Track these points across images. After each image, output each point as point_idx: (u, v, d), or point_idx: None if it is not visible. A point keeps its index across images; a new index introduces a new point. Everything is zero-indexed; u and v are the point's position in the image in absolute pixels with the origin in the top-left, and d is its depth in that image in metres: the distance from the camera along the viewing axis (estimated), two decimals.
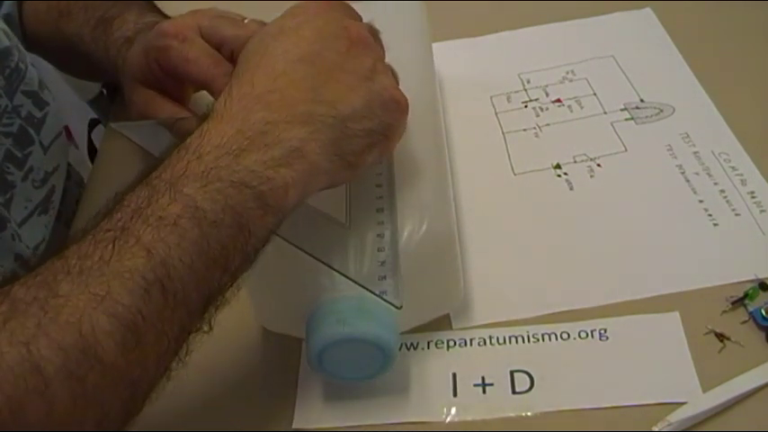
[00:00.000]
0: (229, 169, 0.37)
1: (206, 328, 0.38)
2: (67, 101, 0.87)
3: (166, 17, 0.64)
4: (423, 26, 0.62)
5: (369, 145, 0.42)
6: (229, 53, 0.54)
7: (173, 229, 0.35)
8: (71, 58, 0.69)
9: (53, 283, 0.34)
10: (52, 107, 0.66)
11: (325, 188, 0.42)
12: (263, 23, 0.56)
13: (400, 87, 0.45)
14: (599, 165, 0.59)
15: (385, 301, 0.43)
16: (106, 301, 0.33)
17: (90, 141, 0.87)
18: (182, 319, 0.36)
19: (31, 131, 0.62)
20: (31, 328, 0.32)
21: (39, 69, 0.67)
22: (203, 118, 0.40)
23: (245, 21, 0.56)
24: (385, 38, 0.48)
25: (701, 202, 0.55)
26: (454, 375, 0.47)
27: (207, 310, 0.38)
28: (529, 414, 0.45)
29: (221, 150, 0.38)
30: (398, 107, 0.44)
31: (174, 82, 0.56)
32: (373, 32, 0.46)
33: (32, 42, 0.71)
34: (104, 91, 0.91)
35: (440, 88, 0.67)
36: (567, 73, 0.68)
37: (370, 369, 0.45)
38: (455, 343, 0.49)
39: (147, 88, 0.57)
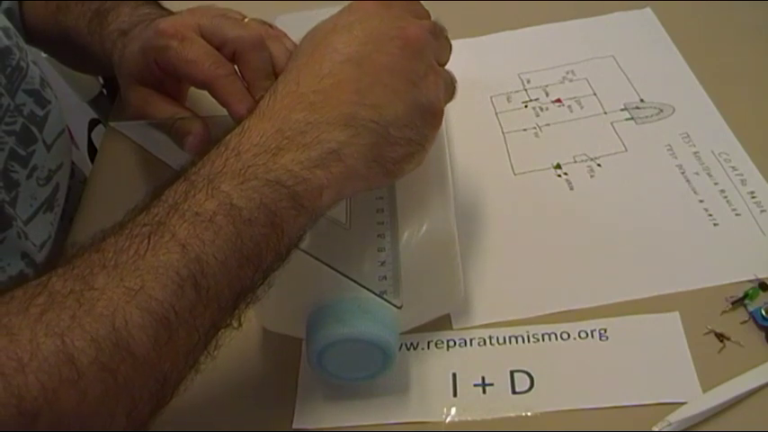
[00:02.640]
0: (266, 167, 0.38)
1: (236, 325, 0.39)
2: (67, 101, 0.87)
3: (162, 8, 0.63)
4: None
5: (408, 154, 0.42)
6: (231, 53, 0.53)
7: (208, 225, 0.36)
8: (69, 51, 0.69)
9: (89, 276, 0.34)
10: (54, 105, 0.66)
11: (360, 192, 0.42)
12: (263, 23, 0.56)
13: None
14: (599, 165, 0.59)
15: (385, 300, 0.43)
16: (140, 296, 0.34)
17: (90, 141, 0.87)
18: (213, 315, 0.37)
19: (34, 130, 0.63)
20: (66, 320, 0.33)
21: (39, 68, 0.67)
22: (230, 129, 0.40)
23: (246, 20, 0.55)
24: None
25: (701, 202, 0.55)
26: (454, 375, 0.47)
27: (237, 306, 0.38)
28: (529, 414, 0.45)
29: (260, 148, 0.38)
30: (434, 120, 0.43)
31: (172, 81, 0.56)
32: (437, 32, 0.45)
33: (32, 36, 0.71)
34: (104, 91, 0.91)
35: None
36: (567, 73, 0.68)
37: (371, 369, 0.45)
38: (455, 343, 0.49)
39: (144, 87, 0.57)
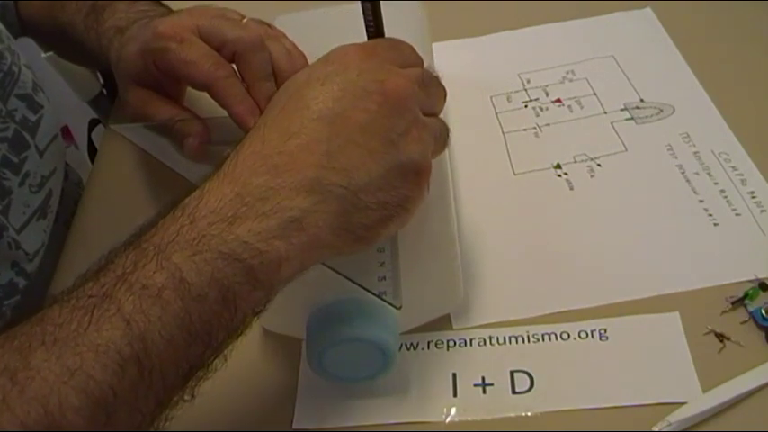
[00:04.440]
0: (221, 238, 0.36)
1: (188, 398, 0.37)
2: (67, 101, 0.87)
3: (158, 5, 0.63)
4: (422, 26, 0.62)
5: (383, 218, 0.39)
6: (230, 55, 0.53)
7: (155, 300, 0.34)
8: (66, 45, 0.68)
9: (27, 351, 0.33)
10: (47, 110, 0.66)
11: (332, 258, 0.40)
12: (262, 23, 0.56)
13: None
14: (599, 165, 0.59)
15: (384, 301, 0.43)
16: (77, 376, 0.32)
17: (90, 141, 0.87)
18: (158, 395, 0.35)
19: (26, 136, 0.62)
20: None
21: (36, 70, 0.67)
22: (206, 178, 0.38)
23: (244, 20, 0.55)
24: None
25: (701, 201, 0.55)
26: (454, 375, 0.47)
27: (187, 382, 0.36)
28: (529, 414, 0.45)
29: (216, 216, 0.36)
30: (417, 179, 0.40)
31: (170, 82, 0.56)
32: (425, 81, 0.42)
33: (28, 27, 0.71)
34: (104, 91, 0.91)
35: None
36: (567, 73, 0.68)
37: (371, 370, 0.45)
38: (455, 343, 0.49)
39: (143, 88, 0.57)
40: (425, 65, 0.58)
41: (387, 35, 0.57)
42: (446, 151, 0.54)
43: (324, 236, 0.37)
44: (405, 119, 0.39)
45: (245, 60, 0.53)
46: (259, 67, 0.53)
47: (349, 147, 0.38)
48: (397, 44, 0.44)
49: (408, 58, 0.43)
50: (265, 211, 0.36)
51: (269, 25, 0.56)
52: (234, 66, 0.54)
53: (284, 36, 0.55)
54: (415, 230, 0.45)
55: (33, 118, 0.63)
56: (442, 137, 0.43)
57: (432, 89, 0.43)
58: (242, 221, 0.36)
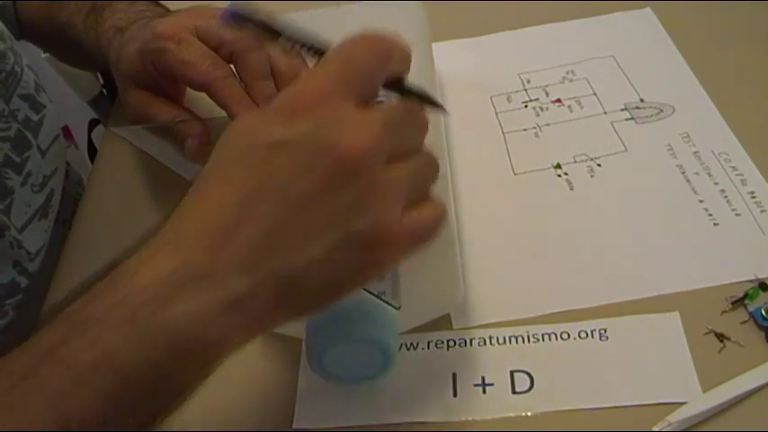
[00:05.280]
0: (154, 318, 0.34)
1: None
2: (67, 101, 0.87)
3: (157, 5, 0.63)
4: (422, 26, 0.62)
5: (331, 293, 0.37)
6: (228, 55, 0.53)
7: (82, 380, 0.33)
8: (63, 46, 0.68)
9: None
10: (49, 110, 0.66)
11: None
12: None
13: None
14: (599, 164, 0.59)
15: (383, 301, 0.43)
16: None
17: (90, 141, 0.87)
18: None
19: (29, 135, 0.62)
20: None
21: (36, 71, 0.67)
22: (145, 243, 0.36)
23: None
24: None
25: (701, 201, 0.55)
26: (454, 375, 0.47)
27: None
28: (529, 414, 0.45)
29: (150, 293, 0.34)
30: (371, 249, 0.36)
31: (169, 82, 0.56)
32: (397, 121, 0.37)
33: (26, 31, 0.71)
34: (104, 91, 0.91)
35: (439, 90, 0.67)
36: (567, 73, 0.68)
37: (371, 370, 0.45)
38: (455, 343, 0.49)
39: (142, 89, 0.57)
40: (424, 65, 0.58)
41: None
42: (445, 152, 0.54)
43: (264, 317, 0.35)
44: (357, 185, 0.35)
45: (242, 60, 0.53)
46: (257, 67, 0.53)
47: (292, 223, 0.35)
48: (355, 56, 0.37)
49: (371, 74, 0.38)
50: (201, 290, 0.34)
51: None
52: (232, 66, 0.54)
53: None
54: None
55: (36, 118, 0.64)
56: (425, 174, 0.39)
57: (406, 124, 0.38)
58: (177, 302, 0.34)
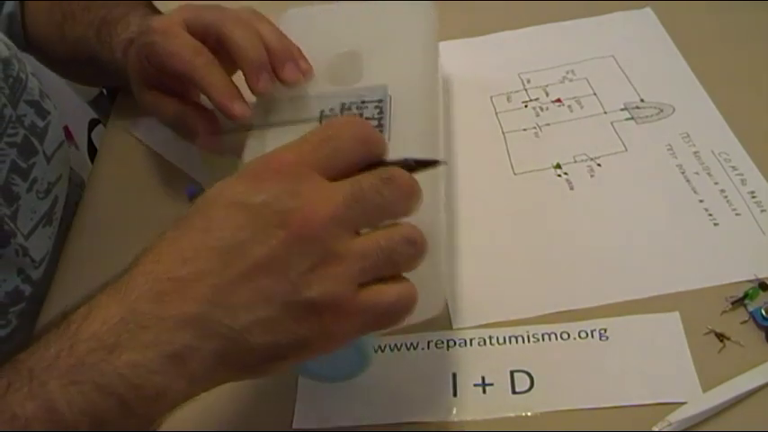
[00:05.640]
0: (98, 369, 0.34)
1: None
2: (67, 101, 0.87)
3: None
4: (432, 27, 0.62)
5: (273, 358, 0.36)
6: (215, 39, 0.54)
7: (24, 430, 0.33)
8: (76, 62, 0.68)
9: None
10: (54, 116, 0.66)
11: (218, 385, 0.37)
12: (252, 10, 0.56)
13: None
14: (599, 164, 0.59)
15: None
16: None
17: (90, 141, 0.87)
18: None
19: (35, 141, 0.62)
20: None
21: (39, 75, 0.67)
22: (100, 290, 0.36)
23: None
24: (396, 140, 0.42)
25: (701, 201, 0.55)
26: (454, 375, 0.47)
27: None
28: (529, 414, 0.45)
29: (96, 342, 0.34)
30: (319, 318, 0.36)
31: (171, 78, 0.56)
32: (365, 193, 0.37)
33: (35, 46, 0.71)
34: (104, 91, 0.91)
35: (445, 88, 0.67)
36: (567, 73, 0.68)
37: (347, 369, 0.45)
38: (455, 343, 0.49)
39: (150, 89, 0.58)
40: (427, 65, 0.58)
41: (396, 36, 0.57)
42: (441, 150, 0.54)
43: (206, 373, 0.35)
44: (312, 255, 0.35)
45: (228, 38, 0.53)
46: (243, 43, 0.52)
47: (240, 283, 0.35)
48: (335, 136, 0.38)
49: (348, 153, 0.38)
50: (146, 343, 0.34)
51: (256, 12, 0.56)
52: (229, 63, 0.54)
53: (270, 21, 0.55)
54: None
55: (41, 124, 0.64)
56: (398, 248, 0.37)
57: (380, 194, 0.37)
58: (122, 351, 0.34)
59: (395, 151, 0.48)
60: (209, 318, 0.35)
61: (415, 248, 0.38)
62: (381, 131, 0.50)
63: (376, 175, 0.37)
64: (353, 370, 0.45)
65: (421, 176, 0.42)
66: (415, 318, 0.48)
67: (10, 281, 0.58)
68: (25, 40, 0.71)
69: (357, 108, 0.52)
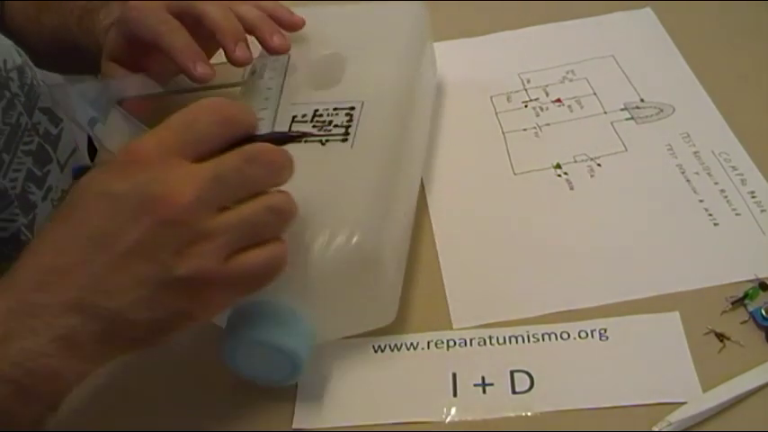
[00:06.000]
0: None
1: None
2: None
3: None
4: (423, 26, 0.62)
5: (157, 331, 0.39)
6: (193, 20, 0.55)
7: None
8: (56, 51, 0.68)
9: None
10: (66, 123, 0.66)
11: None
12: None
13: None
14: (599, 164, 0.59)
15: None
16: None
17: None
18: None
19: (49, 149, 0.63)
20: None
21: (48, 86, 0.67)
22: None
23: None
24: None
25: (701, 201, 0.55)
26: (454, 375, 0.47)
27: None
28: (529, 414, 0.44)
29: None
30: (195, 292, 0.39)
31: (141, 52, 0.57)
32: (227, 173, 0.39)
33: (13, 37, 0.71)
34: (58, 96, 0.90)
35: (439, 90, 0.67)
36: (567, 73, 0.68)
37: (279, 374, 0.45)
38: (455, 343, 0.49)
39: (120, 66, 0.58)
40: (411, 66, 0.58)
41: (386, 36, 0.57)
42: (400, 160, 0.54)
43: (96, 351, 0.38)
44: (179, 235, 0.38)
45: (203, 16, 0.54)
46: (215, 15, 0.54)
47: (114, 269, 0.38)
48: (194, 120, 0.40)
49: (209, 135, 0.40)
50: (35, 328, 0.37)
51: None
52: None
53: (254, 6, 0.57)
54: (330, 239, 0.44)
55: (55, 131, 0.64)
56: (264, 218, 0.40)
57: (243, 171, 0.39)
58: (13, 339, 0.36)
59: (359, 157, 0.49)
60: (89, 302, 0.37)
61: (279, 216, 0.40)
62: (347, 139, 0.50)
63: (238, 154, 0.40)
64: (284, 377, 0.45)
65: (382, 193, 0.45)
66: (363, 326, 0.48)
67: None
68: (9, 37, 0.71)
69: (328, 114, 0.52)
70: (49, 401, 0.38)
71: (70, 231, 0.39)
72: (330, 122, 0.52)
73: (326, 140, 0.50)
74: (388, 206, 0.48)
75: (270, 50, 0.55)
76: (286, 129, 0.51)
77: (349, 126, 0.51)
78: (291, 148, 0.49)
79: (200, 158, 0.39)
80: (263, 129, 0.49)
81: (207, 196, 0.38)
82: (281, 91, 0.53)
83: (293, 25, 0.58)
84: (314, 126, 0.52)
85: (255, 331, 0.43)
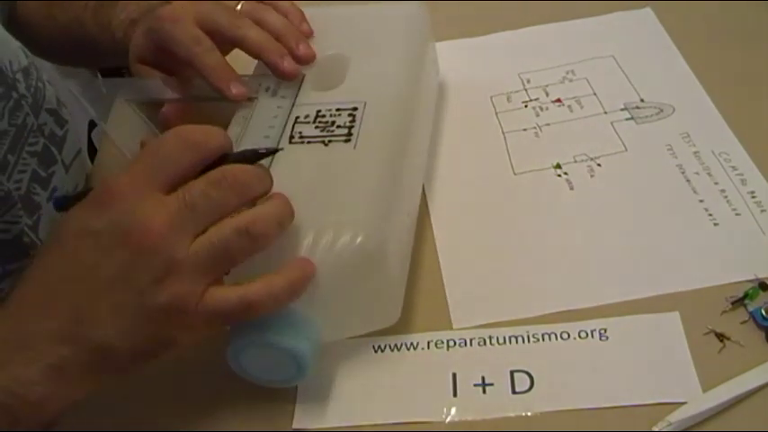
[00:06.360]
0: None
1: None
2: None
3: None
4: (423, 26, 0.62)
5: (143, 357, 0.41)
6: (226, 41, 0.56)
7: None
8: (69, 46, 0.69)
9: None
10: (71, 124, 0.67)
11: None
12: (256, 3, 0.58)
13: None
14: (599, 164, 0.59)
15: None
16: None
17: (90, 141, 0.87)
18: None
19: (54, 150, 0.63)
20: None
21: (54, 87, 0.68)
22: None
23: (238, 7, 0.58)
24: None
25: (701, 201, 0.55)
26: (454, 375, 0.47)
27: None
28: (529, 414, 0.45)
29: None
30: (177, 319, 0.40)
31: (171, 61, 0.58)
32: (196, 200, 0.40)
33: (23, 31, 0.71)
34: (105, 90, 0.90)
35: (439, 90, 0.67)
36: (567, 73, 0.68)
37: (285, 375, 0.45)
38: (455, 343, 0.49)
39: (149, 67, 0.59)
40: (412, 67, 0.58)
41: (389, 36, 0.57)
42: (418, 161, 0.54)
43: (83, 379, 0.40)
44: (155, 265, 0.39)
45: (241, 41, 0.56)
46: (255, 39, 0.55)
47: (96, 301, 0.39)
48: (161, 150, 0.41)
49: (176, 163, 0.41)
50: (27, 357, 0.39)
51: (257, 4, 0.58)
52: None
53: (272, 8, 0.58)
54: (335, 239, 0.44)
55: (60, 133, 0.65)
56: (233, 242, 0.40)
57: (213, 196, 0.40)
58: (5, 366, 0.39)
59: (362, 158, 0.49)
60: (75, 333, 0.39)
61: (246, 237, 0.40)
62: (350, 140, 0.50)
63: (204, 179, 0.41)
64: (289, 378, 0.45)
65: (387, 192, 0.45)
66: (366, 327, 0.48)
67: None
68: (16, 30, 0.71)
69: (331, 115, 0.52)
70: (36, 424, 0.40)
71: (56, 267, 0.41)
72: (333, 123, 0.52)
73: (329, 141, 0.50)
74: (392, 206, 0.48)
75: (280, 76, 0.55)
76: (288, 131, 0.52)
77: (352, 127, 0.51)
78: (294, 149, 0.50)
79: (174, 187, 0.40)
80: (270, 143, 0.50)
81: (178, 224, 0.39)
82: (291, 109, 0.54)
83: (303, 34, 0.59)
84: (317, 127, 0.52)
85: (261, 333, 0.43)
